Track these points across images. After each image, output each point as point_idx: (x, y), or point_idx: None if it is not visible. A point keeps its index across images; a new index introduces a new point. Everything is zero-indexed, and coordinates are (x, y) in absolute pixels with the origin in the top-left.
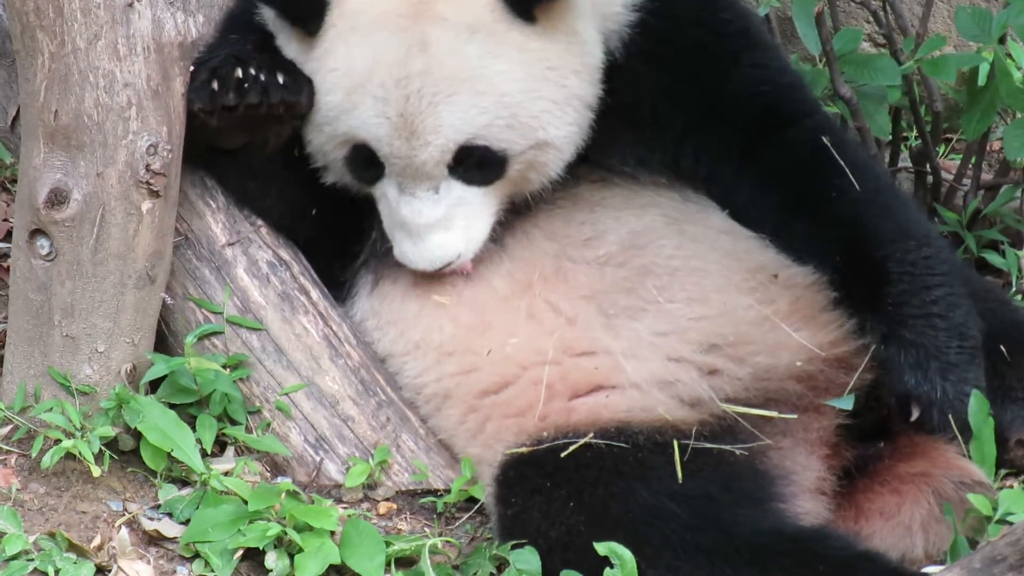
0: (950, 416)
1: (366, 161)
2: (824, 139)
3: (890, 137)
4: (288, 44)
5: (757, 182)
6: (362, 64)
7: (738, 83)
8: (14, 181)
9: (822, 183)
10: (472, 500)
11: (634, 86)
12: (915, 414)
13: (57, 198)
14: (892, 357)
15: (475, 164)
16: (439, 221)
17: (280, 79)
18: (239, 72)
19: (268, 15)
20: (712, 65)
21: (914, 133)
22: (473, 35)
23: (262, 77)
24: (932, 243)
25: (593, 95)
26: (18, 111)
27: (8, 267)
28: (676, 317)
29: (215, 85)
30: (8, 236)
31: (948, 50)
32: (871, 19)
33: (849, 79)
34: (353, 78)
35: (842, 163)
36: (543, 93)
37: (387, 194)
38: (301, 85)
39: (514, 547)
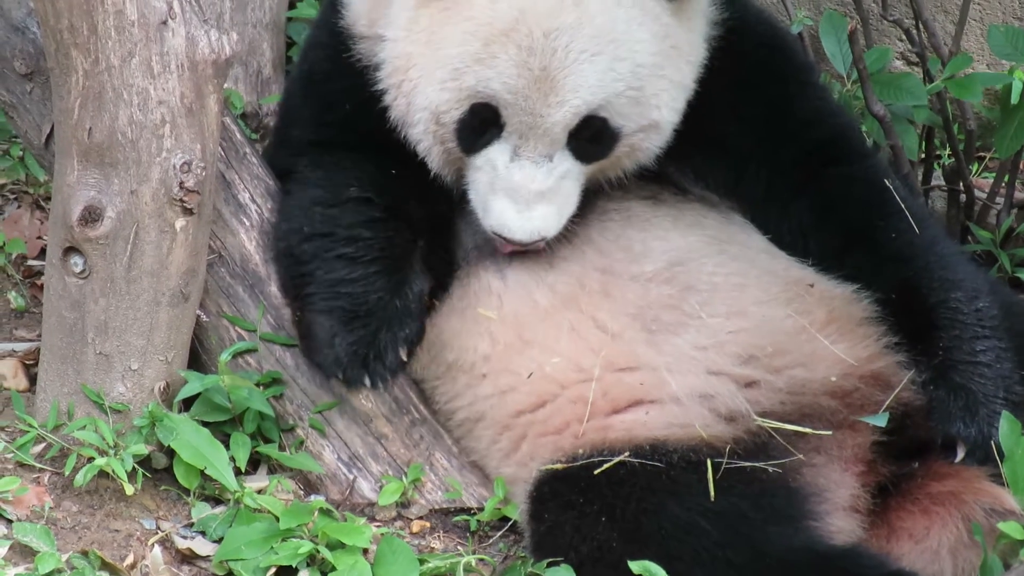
0: (998, 459)
1: (483, 123)
2: (887, 181)
3: (923, 156)
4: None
5: (812, 210)
6: (508, 13)
7: (802, 111)
8: (48, 199)
9: (883, 221)
10: (505, 518)
11: (705, 104)
12: (960, 456)
13: (91, 216)
14: (941, 399)
15: (590, 137)
16: (548, 191)
17: (411, 331)
18: (401, 352)
19: None
20: (780, 89)
21: (947, 151)
22: None
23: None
24: (983, 295)
25: (692, 89)
26: (52, 129)
27: (42, 285)
28: (716, 331)
29: (367, 380)
30: (42, 254)
31: (981, 68)
32: (904, 38)
33: (878, 98)
34: (495, 27)
35: (903, 207)
36: (666, 72)
37: (495, 160)
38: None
39: (550, 564)
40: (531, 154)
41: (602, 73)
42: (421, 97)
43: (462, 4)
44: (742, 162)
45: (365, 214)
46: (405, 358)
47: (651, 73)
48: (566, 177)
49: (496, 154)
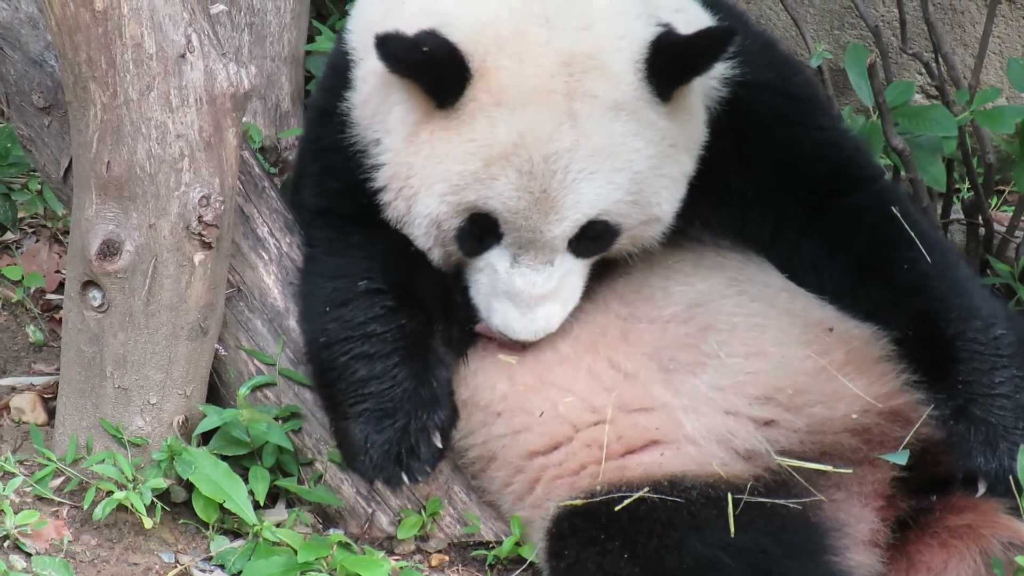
0: (1018, 496)
1: (482, 232)
2: (894, 208)
3: (944, 188)
4: (397, 107)
5: (823, 243)
6: (507, 137)
7: (808, 146)
8: (66, 232)
9: (894, 252)
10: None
11: (708, 159)
12: (981, 490)
13: (109, 249)
14: (961, 433)
15: (591, 237)
16: (550, 293)
17: (443, 416)
18: (436, 440)
19: (364, 74)
20: (786, 131)
21: (966, 185)
22: (618, 113)
23: (439, 444)
24: (999, 323)
25: (694, 170)
26: (70, 162)
27: (60, 318)
28: (734, 371)
29: (405, 478)
30: (60, 288)
31: (1000, 101)
32: (923, 71)
33: (903, 131)
34: (495, 150)
35: (912, 234)
36: (665, 171)
37: (495, 265)
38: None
39: None
40: (531, 262)
41: (600, 187)
42: (421, 206)
43: (463, 125)
44: (747, 207)
45: (377, 306)
46: (441, 445)
47: (649, 176)
48: (568, 275)
49: (496, 259)
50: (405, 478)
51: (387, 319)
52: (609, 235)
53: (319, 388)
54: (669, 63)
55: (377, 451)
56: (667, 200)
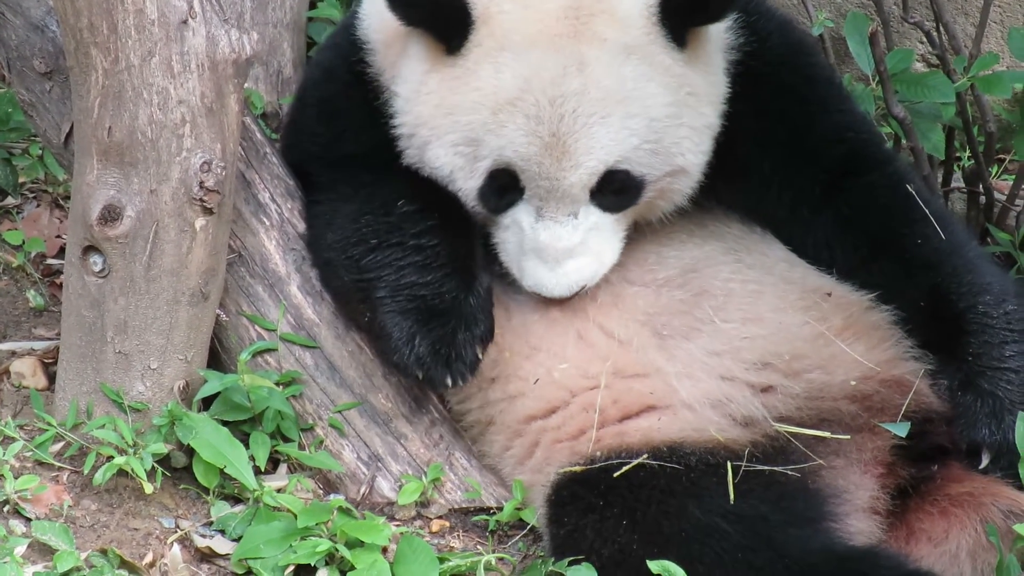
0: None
1: (503, 186)
2: (909, 187)
3: (944, 156)
4: (410, 59)
5: (836, 222)
6: (513, 82)
7: (824, 127)
8: (67, 198)
9: (908, 228)
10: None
11: (727, 129)
12: (984, 462)
13: (110, 215)
14: (968, 405)
15: (615, 189)
16: (577, 246)
17: (485, 328)
18: (479, 350)
19: (376, 31)
20: (802, 109)
21: (967, 153)
22: (629, 56)
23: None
24: (1011, 298)
25: (718, 126)
26: (72, 128)
27: (61, 283)
28: (730, 336)
29: (448, 378)
30: (61, 253)
31: (999, 69)
32: (924, 40)
33: (902, 98)
34: (501, 96)
35: (927, 211)
36: (685, 120)
37: (520, 221)
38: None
39: (571, 563)
40: (554, 214)
41: (615, 132)
42: (432, 156)
43: (469, 74)
44: (763, 185)
45: (424, 223)
46: (481, 356)
47: (668, 124)
48: (595, 229)
49: (521, 215)
50: (449, 380)
51: (436, 234)
52: (634, 187)
53: (352, 282)
54: (681, 5)
55: (426, 348)
56: (690, 150)
